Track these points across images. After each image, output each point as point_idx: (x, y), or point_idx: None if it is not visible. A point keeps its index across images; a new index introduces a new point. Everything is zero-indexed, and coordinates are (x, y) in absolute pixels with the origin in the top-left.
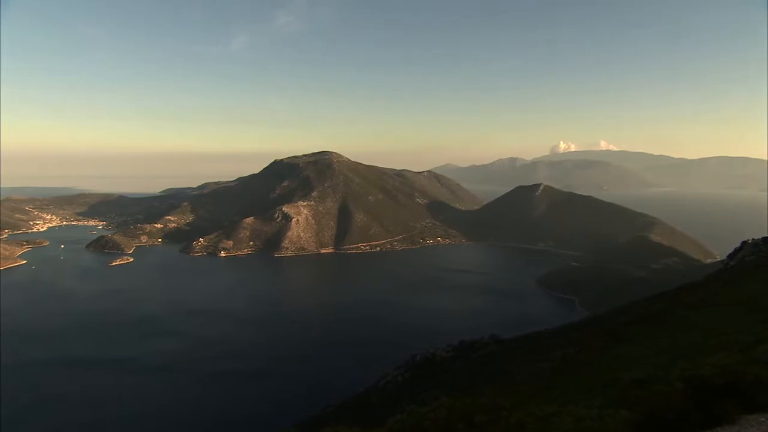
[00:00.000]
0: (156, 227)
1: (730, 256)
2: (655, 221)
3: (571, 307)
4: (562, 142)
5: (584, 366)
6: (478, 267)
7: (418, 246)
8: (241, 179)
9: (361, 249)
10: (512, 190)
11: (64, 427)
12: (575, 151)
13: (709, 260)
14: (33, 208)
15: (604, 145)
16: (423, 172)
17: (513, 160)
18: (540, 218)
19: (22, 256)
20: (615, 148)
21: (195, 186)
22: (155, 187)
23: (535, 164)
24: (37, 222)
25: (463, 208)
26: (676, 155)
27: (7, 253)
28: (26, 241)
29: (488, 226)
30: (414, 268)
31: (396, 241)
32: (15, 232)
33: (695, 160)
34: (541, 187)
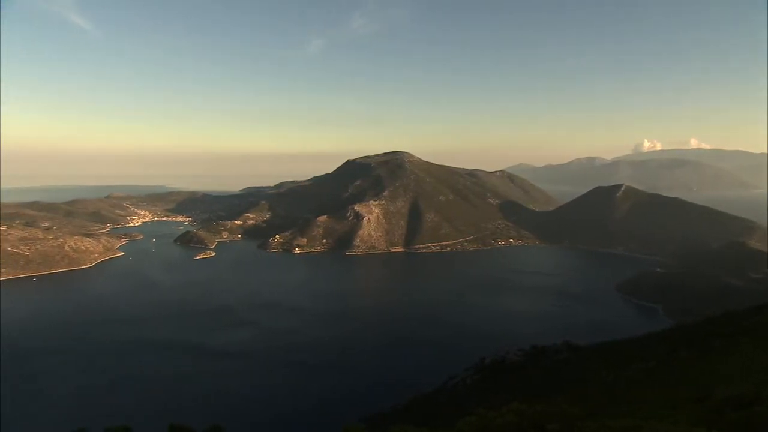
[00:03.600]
0: (236, 224)
1: None
2: (754, 226)
3: (653, 315)
4: (646, 141)
5: (669, 378)
6: (552, 270)
7: (489, 247)
8: (315, 179)
9: (431, 249)
10: (590, 190)
11: (143, 398)
12: (661, 150)
13: None
14: (130, 205)
15: (694, 143)
16: (495, 171)
17: (592, 159)
18: (620, 221)
19: (120, 248)
20: (707, 146)
21: (272, 185)
22: (236, 186)
23: (616, 164)
24: (133, 217)
25: (537, 209)
26: None
27: (109, 245)
28: (124, 235)
29: (563, 228)
30: (484, 269)
31: (467, 241)
32: (115, 226)
33: None
34: (622, 188)
